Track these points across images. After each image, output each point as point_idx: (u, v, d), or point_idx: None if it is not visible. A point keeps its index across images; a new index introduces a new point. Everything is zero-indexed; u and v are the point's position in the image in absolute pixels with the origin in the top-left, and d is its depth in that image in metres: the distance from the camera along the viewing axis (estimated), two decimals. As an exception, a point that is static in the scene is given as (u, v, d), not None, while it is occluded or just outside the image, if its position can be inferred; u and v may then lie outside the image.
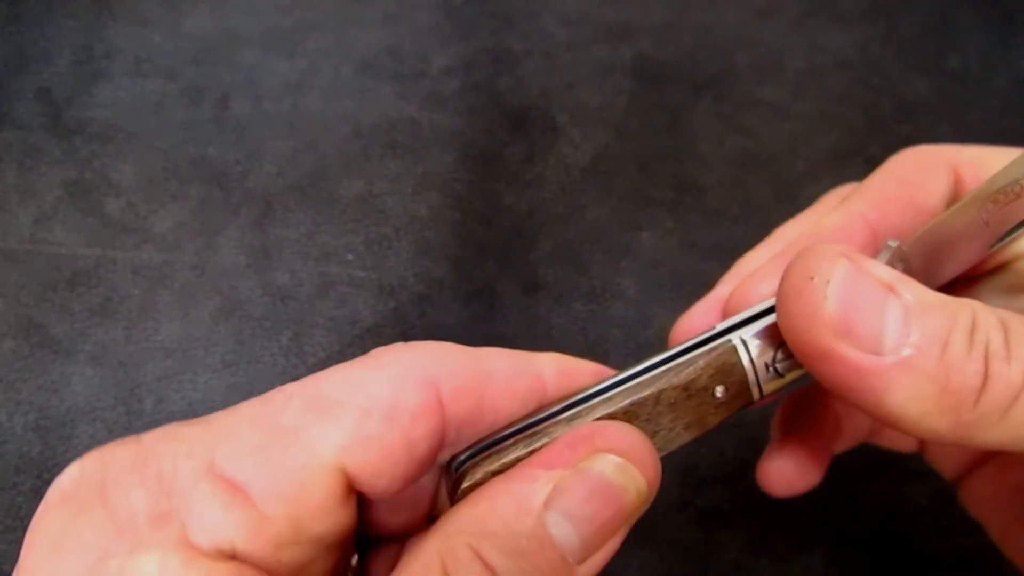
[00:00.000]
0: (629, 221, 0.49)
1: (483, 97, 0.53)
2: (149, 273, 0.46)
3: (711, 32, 0.56)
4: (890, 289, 0.21)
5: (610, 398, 0.24)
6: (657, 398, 0.24)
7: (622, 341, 0.45)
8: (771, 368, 0.24)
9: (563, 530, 0.21)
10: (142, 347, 0.44)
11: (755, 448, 0.44)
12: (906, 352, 0.20)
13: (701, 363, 0.24)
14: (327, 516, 0.22)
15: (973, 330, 0.21)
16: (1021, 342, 0.20)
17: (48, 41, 0.54)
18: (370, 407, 0.23)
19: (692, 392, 0.24)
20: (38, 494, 0.41)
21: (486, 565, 0.21)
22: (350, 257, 0.47)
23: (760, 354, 0.24)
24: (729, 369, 0.25)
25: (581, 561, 0.22)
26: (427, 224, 0.48)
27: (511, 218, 0.49)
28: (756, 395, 0.25)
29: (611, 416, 0.24)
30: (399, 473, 0.23)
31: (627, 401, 0.24)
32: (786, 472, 0.30)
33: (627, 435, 0.23)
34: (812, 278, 0.21)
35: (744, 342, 0.25)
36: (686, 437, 0.25)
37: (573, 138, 0.52)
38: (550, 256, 0.47)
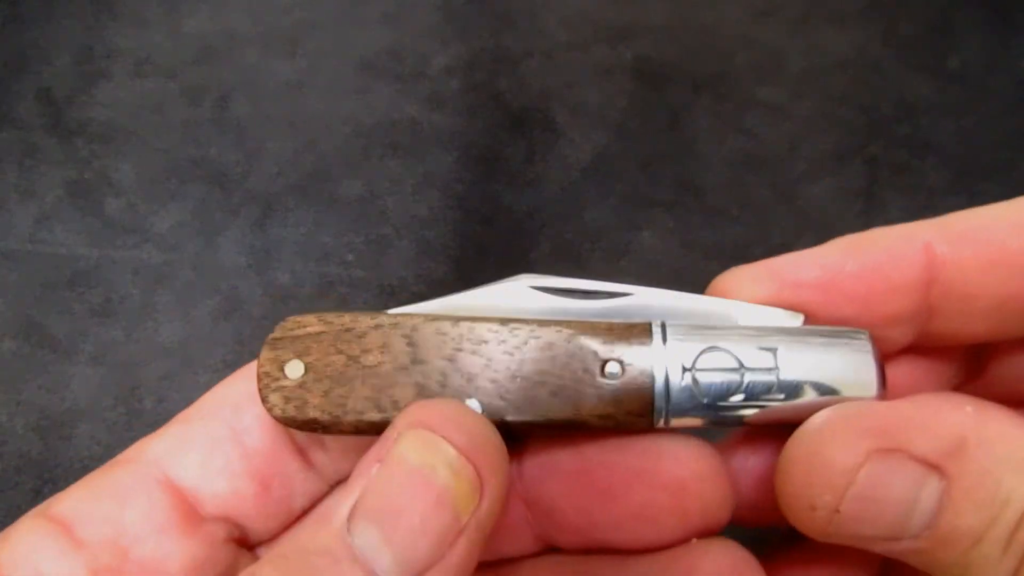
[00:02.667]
0: (629, 221, 0.49)
1: (483, 97, 0.53)
2: (149, 273, 0.46)
3: (711, 32, 0.56)
4: (934, 468, 0.18)
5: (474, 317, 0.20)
6: (533, 335, 0.20)
7: (622, 341, 0.45)
8: (687, 376, 0.20)
9: (369, 539, 0.17)
10: (142, 347, 0.44)
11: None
12: (924, 542, 0.18)
13: (607, 325, 0.20)
14: (157, 536, 0.20)
15: (1017, 528, 0.17)
16: None
17: (48, 41, 0.54)
18: (193, 413, 0.21)
19: (580, 351, 0.20)
20: (38, 494, 0.41)
21: None
22: (350, 257, 0.47)
23: (680, 351, 0.20)
24: (632, 351, 0.20)
25: (408, 573, 0.17)
26: (427, 224, 0.48)
27: (511, 218, 0.49)
28: (660, 407, 0.19)
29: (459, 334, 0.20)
30: (235, 469, 0.21)
31: (495, 322, 0.20)
32: None
33: (433, 405, 0.19)
34: (821, 497, 0.18)
35: (664, 328, 0.20)
36: (551, 409, 0.20)
37: (573, 138, 0.52)
38: (550, 256, 0.47)
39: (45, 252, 0.47)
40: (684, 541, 0.21)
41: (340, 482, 0.23)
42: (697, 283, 0.49)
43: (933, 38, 0.56)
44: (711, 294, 0.23)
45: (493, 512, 0.18)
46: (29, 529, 0.20)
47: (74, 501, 0.20)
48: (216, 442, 0.21)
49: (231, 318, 0.45)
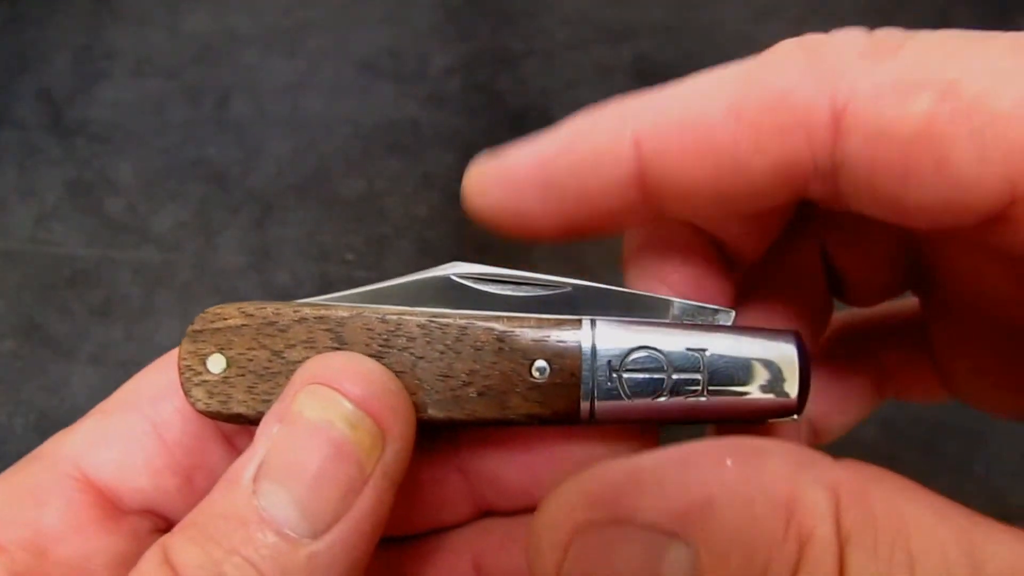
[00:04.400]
0: (629, 221, 0.49)
1: (483, 97, 0.53)
2: (149, 273, 0.46)
3: (711, 32, 0.56)
4: (671, 535, 0.16)
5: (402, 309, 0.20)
6: (462, 331, 0.20)
7: (622, 341, 0.45)
8: (615, 376, 0.19)
9: (275, 498, 0.17)
10: (142, 347, 0.44)
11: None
12: None
13: (536, 320, 0.20)
14: (77, 535, 0.19)
15: None
16: None
17: (48, 41, 0.54)
18: (109, 406, 0.21)
19: (507, 349, 0.19)
20: (38, 494, 0.41)
21: (170, 567, 0.17)
22: (350, 257, 0.47)
23: (609, 350, 0.19)
24: (561, 349, 0.19)
25: (314, 532, 0.17)
26: (427, 224, 0.48)
27: (511, 218, 0.49)
28: (584, 405, 0.19)
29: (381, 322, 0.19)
30: (156, 465, 0.20)
31: (424, 316, 0.19)
32: None
33: (327, 359, 0.19)
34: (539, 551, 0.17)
35: (594, 324, 0.20)
36: (477, 408, 0.19)
37: (573, 138, 0.52)
38: (550, 256, 0.47)
39: (45, 252, 0.47)
40: None
41: None
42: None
43: (933, 38, 0.56)
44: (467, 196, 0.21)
45: (400, 458, 0.19)
46: None
47: None
48: (135, 437, 0.21)
49: (231, 318, 0.45)
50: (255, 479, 0.17)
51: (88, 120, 0.51)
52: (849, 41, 0.18)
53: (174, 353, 0.21)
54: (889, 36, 0.18)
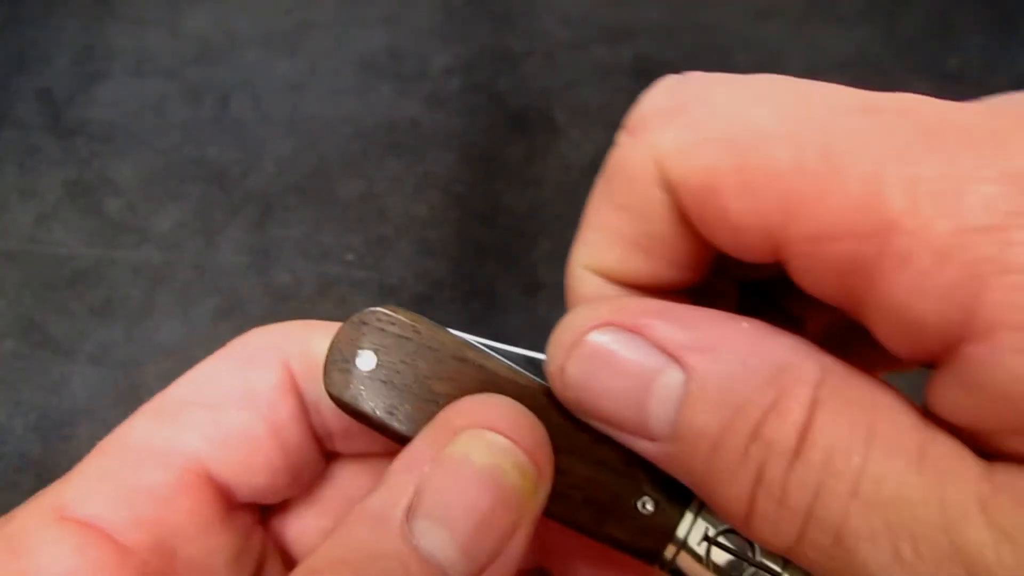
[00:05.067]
0: (629, 221, 0.49)
1: (483, 97, 0.53)
2: (149, 273, 0.46)
3: (711, 32, 0.56)
4: (672, 357, 0.17)
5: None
6: (595, 441, 0.20)
7: (622, 341, 0.45)
8: (706, 543, 0.20)
9: (435, 539, 0.17)
10: (142, 347, 0.44)
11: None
12: (670, 445, 0.17)
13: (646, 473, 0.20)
14: (203, 534, 0.20)
15: (756, 432, 0.16)
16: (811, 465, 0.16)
17: (48, 41, 0.54)
18: (220, 400, 0.21)
19: (626, 472, 0.20)
20: (38, 494, 0.41)
21: None
22: (350, 257, 0.47)
23: (711, 519, 0.20)
24: (672, 495, 0.20)
25: (472, 574, 0.17)
26: (427, 224, 0.48)
27: (511, 218, 0.49)
28: (669, 555, 0.20)
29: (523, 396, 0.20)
30: (276, 465, 0.21)
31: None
32: None
33: (491, 404, 0.19)
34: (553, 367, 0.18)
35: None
36: (578, 514, 0.20)
37: (573, 138, 0.52)
38: (550, 256, 0.47)
39: (45, 252, 0.47)
40: None
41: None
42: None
43: (933, 38, 0.56)
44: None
45: (542, 503, 0.19)
46: (56, 538, 0.19)
47: (103, 500, 0.19)
48: (256, 437, 0.21)
49: (231, 318, 0.45)
50: (408, 518, 0.17)
51: (88, 120, 0.51)
52: (654, 102, 0.20)
53: (269, 338, 0.22)
54: (686, 90, 0.20)
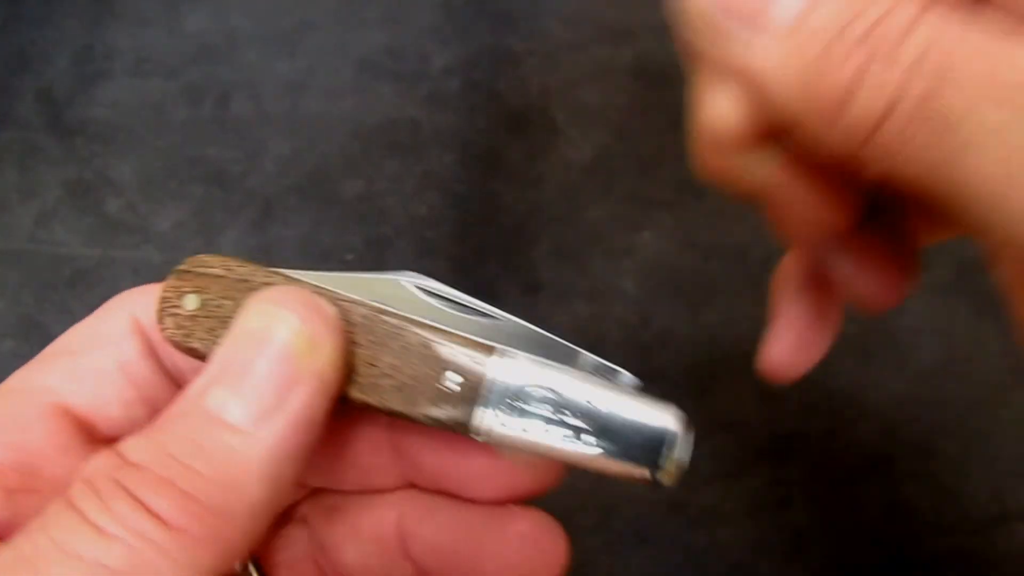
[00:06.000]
0: (629, 221, 0.49)
1: (483, 97, 0.53)
2: (149, 273, 0.46)
3: (711, 32, 0.56)
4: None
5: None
6: (396, 330, 0.22)
7: (622, 341, 0.45)
8: (508, 403, 0.22)
9: (221, 398, 0.20)
10: (142, 347, 0.44)
11: (754, 449, 0.44)
12: (780, 43, 0.18)
13: (459, 338, 0.22)
14: (63, 456, 0.22)
15: (868, 32, 0.17)
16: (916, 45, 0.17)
17: (48, 41, 0.54)
18: (77, 346, 0.24)
19: (428, 355, 0.22)
20: (38, 494, 0.41)
21: (118, 454, 0.19)
22: (350, 257, 0.47)
23: (512, 380, 0.22)
24: (472, 368, 0.22)
25: (252, 422, 0.20)
26: (427, 224, 0.48)
27: (511, 218, 0.49)
28: (477, 423, 0.22)
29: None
30: (127, 397, 0.24)
31: (370, 309, 0.22)
32: (785, 352, 0.27)
33: (274, 288, 0.23)
34: None
35: (505, 353, 0.22)
36: (391, 400, 0.22)
37: (573, 138, 0.52)
38: (550, 256, 0.47)
39: (45, 252, 0.47)
40: (508, 502, 0.25)
41: None
42: (697, 283, 0.49)
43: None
44: None
45: (333, 368, 0.21)
46: None
47: None
48: (106, 372, 0.24)
49: (231, 318, 0.45)
50: (205, 387, 0.20)
51: (88, 120, 0.51)
52: None
53: (121, 299, 0.25)
54: None
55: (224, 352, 0.21)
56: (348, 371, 0.22)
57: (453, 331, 0.23)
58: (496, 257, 0.47)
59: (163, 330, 0.23)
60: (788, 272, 0.27)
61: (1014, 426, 0.43)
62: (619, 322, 0.46)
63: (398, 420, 0.24)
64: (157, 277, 0.46)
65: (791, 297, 0.27)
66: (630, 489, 0.41)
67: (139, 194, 0.49)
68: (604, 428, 0.22)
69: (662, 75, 0.54)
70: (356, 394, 0.22)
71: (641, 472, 0.22)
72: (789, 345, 0.26)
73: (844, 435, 0.43)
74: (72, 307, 0.45)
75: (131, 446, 0.19)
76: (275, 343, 0.20)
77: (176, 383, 0.25)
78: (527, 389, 0.22)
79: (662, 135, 0.52)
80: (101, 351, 0.24)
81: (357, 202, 0.49)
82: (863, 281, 0.24)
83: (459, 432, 0.22)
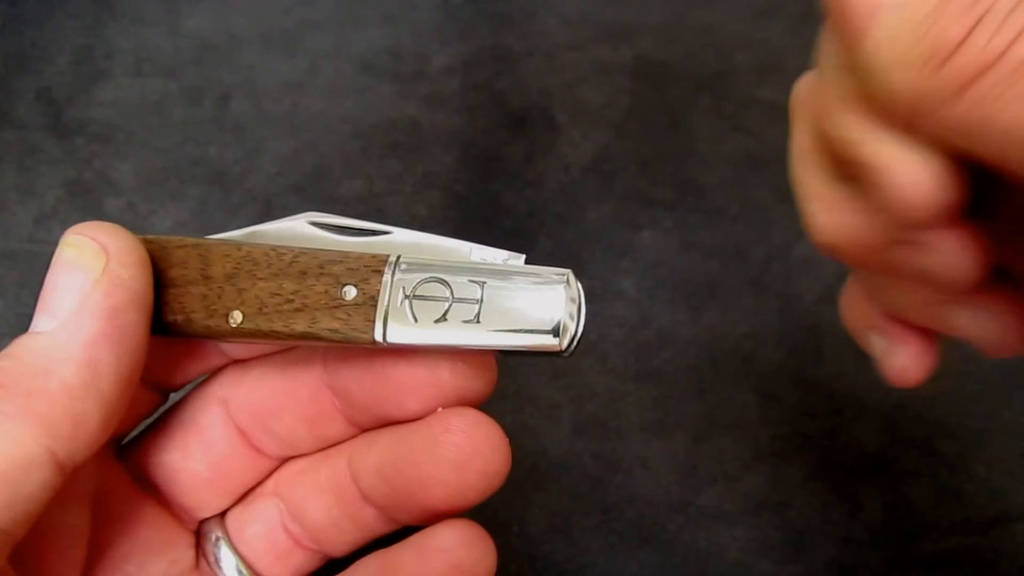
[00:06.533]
0: (629, 221, 0.49)
1: (483, 97, 0.53)
2: (149, 273, 0.46)
3: (711, 32, 0.56)
4: None
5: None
6: (295, 258, 0.24)
7: (622, 341, 0.45)
8: (405, 301, 0.23)
9: (34, 319, 0.22)
10: (142, 347, 0.44)
11: (755, 448, 0.44)
12: None
13: (352, 255, 0.24)
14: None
15: None
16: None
17: (48, 41, 0.54)
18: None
19: (323, 273, 0.24)
20: (38, 494, 0.41)
21: None
22: (350, 257, 0.47)
23: (405, 280, 0.23)
24: (367, 276, 0.23)
25: (51, 323, 0.22)
26: (427, 224, 0.48)
27: (511, 218, 0.49)
28: (379, 326, 0.23)
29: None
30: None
31: (268, 248, 0.24)
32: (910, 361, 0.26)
33: (86, 222, 0.24)
34: None
35: (398, 260, 0.23)
36: (293, 322, 0.23)
37: (573, 138, 0.52)
38: (550, 256, 0.47)
39: (45, 252, 0.47)
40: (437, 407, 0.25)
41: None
42: (697, 283, 0.49)
43: (933, 38, 0.56)
44: None
45: (135, 279, 0.23)
46: None
47: None
48: None
49: (231, 318, 0.45)
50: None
51: (88, 120, 0.51)
52: None
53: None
54: None
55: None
56: (259, 307, 0.24)
57: (348, 251, 0.24)
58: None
59: None
60: (867, 311, 0.26)
61: (1014, 426, 0.43)
62: (619, 322, 0.46)
63: (324, 359, 0.26)
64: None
65: (887, 327, 0.26)
66: (630, 489, 0.41)
67: (139, 194, 0.49)
68: (498, 308, 0.23)
69: (662, 75, 0.54)
70: (263, 324, 0.23)
71: (541, 342, 0.23)
72: (909, 359, 0.27)
73: (844, 435, 0.43)
74: (72, 307, 0.45)
75: None
76: (63, 258, 0.23)
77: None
78: (420, 288, 0.23)
79: (662, 135, 0.52)
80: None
81: (357, 202, 0.49)
82: (993, 334, 0.25)
83: (365, 345, 0.23)
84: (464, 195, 0.49)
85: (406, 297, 0.23)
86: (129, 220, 0.48)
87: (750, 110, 0.53)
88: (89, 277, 0.22)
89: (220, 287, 0.24)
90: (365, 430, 0.27)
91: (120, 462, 0.27)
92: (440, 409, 0.25)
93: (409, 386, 0.25)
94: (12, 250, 0.47)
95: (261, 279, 0.24)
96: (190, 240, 0.25)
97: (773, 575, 0.40)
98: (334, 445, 0.28)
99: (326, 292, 0.23)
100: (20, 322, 0.45)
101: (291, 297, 0.23)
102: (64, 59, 0.54)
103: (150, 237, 0.25)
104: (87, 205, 0.48)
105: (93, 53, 0.54)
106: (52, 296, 0.22)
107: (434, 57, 0.54)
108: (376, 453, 0.26)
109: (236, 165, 0.50)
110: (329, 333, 0.23)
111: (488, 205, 0.49)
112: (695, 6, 0.57)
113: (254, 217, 0.48)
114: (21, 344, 0.22)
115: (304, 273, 0.24)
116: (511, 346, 0.23)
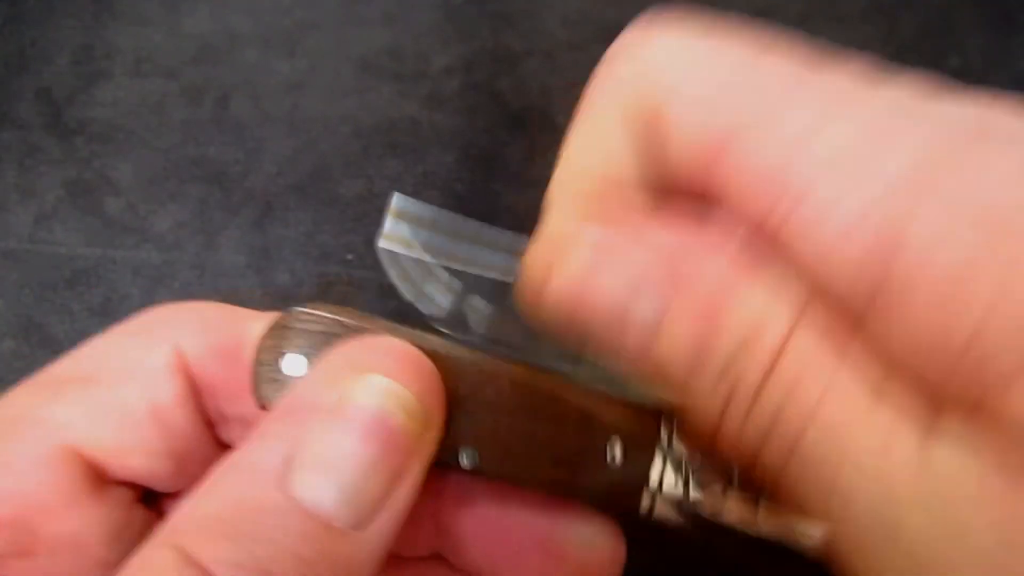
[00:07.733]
0: (629, 221, 0.49)
1: (483, 97, 0.53)
2: (149, 273, 0.46)
3: (711, 32, 0.56)
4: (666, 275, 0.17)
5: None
6: (551, 398, 0.19)
7: (622, 341, 0.45)
8: (678, 475, 0.19)
9: (317, 489, 0.16)
10: (142, 347, 0.44)
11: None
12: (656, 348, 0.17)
13: (619, 402, 0.19)
14: (68, 509, 0.18)
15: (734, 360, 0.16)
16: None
17: (48, 41, 0.54)
18: (100, 374, 0.19)
19: (586, 426, 0.19)
20: (38, 494, 0.41)
21: (198, 568, 0.15)
22: (350, 257, 0.47)
23: (681, 452, 0.19)
24: (639, 433, 0.19)
25: (359, 523, 0.16)
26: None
27: (511, 218, 0.49)
28: (647, 501, 0.19)
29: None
30: (155, 448, 0.19)
31: (519, 374, 0.19)
32: None
33: (377, 346, 0.18)
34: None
35: (675, 424, 0.19)
36: (555, 474, 0.19)
37: (573, 138, 0.52)
38: (550, 256, 0.47)
39: (45, 252, 0.47)
40: None
41: None
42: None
43: (933, 38, 0.56)
44: None
45: (433, 450, 0.18)
46: None
47: None
48: (134, 415, 0.20)
49: (231, 318, 0.45)
50: (289, 471, 0.16)
51: (88, 120, 0.51)
52: None
53: (164, 319, 0.20)
54: None
55: (315, 429, 0.16)
56: (497, 448, 0.19)
57: (614, 396, 0.20)
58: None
59: (260, 399, 0.19)
60: None
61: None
62: (619, 322, 0.46)
63: (449, 492, 0.21)
64: (157, 277, 0.46)
65: None
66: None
67: (139, 194, 0.49)
68: None
69: (662, 75, 0.54)
70: (506, 468, 0.19)
71: None
72: None
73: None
74: (72, 307, 0.45)
75: (203, 544, 0.15)
76: (391, 427, 0.17)
77: (215, 435, 0.21)
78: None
79: (662, 135, 0.52)
80: (132, 387, 0.20)
81: (357, 202, 0.49)
82: None
83: (619, 512, 0.19)
84: (464, 195, 0.49)
85: (679, 471, 0.19)
86: (129, 220, 0.48)
87: (750, 110, 0.53)
88: (407, 462, 0.17)
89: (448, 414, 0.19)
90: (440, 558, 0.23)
91: None
92: None
93: (532, 567, 0.20)
94: (12, 250, 0.47)
95: (498, 417, 0.19)
96: (404, 331, 0.19)
97: (773, 575, 0.40)
98: (400, 559, 0.23)
99: (589, 450, 0.19)
100: (20, 322, 0.45)
101: (546, 444, 0.19)
102: (64, 59, 0.54)
103: (346, 318, 0.19)
104: (87, 205, 0.48)
105: (93, 53, 0.54)
106: (355, 471, 0.16)
107: (434, 57, 0.54)
108: None
109: (236, 165, 0.50)
110: (588, 497, 0.19)
111: (488, 205, 0.49)
112: (695, 6, 0.57)
113: (254, 217, 0.48)
114: (315, 546, 0.15)
115: (563, 420, 0.19)
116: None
